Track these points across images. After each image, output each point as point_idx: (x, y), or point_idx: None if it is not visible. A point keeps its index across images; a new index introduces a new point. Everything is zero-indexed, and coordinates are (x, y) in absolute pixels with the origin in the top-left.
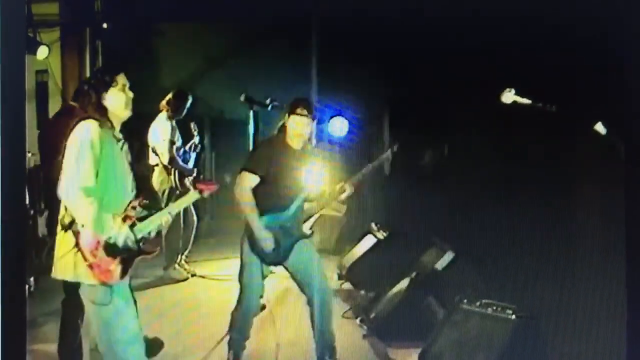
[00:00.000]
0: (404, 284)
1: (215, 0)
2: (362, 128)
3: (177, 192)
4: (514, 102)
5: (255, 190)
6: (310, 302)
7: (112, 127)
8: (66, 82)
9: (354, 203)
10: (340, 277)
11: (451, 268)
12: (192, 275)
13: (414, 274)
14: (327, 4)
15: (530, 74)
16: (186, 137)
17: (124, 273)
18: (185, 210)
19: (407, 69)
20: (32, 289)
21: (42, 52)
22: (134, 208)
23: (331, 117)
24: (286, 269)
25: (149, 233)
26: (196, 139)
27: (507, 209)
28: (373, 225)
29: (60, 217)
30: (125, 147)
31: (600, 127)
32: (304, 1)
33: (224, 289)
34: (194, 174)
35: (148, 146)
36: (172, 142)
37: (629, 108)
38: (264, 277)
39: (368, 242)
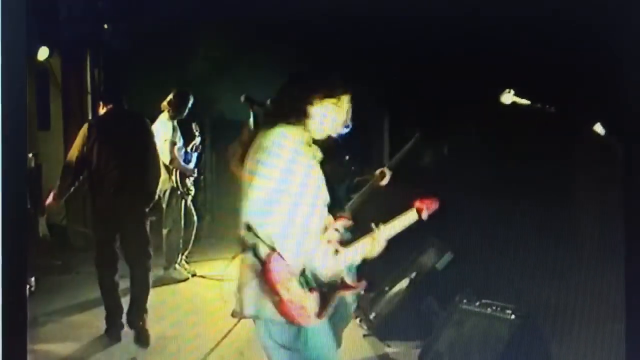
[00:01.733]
0: (403, 284)
1: (216, 1)
2: (361, 128)
3: (178, 192)
4: (513, 103)
5: None
6: None
7: (310, 137)
8: (67, 83)
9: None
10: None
11: (450, 268)
12: (193, 275)
13: (413, 274)
14: (328, 4)
15: (530, 74)
16: (188, 137)
17: (321, 312)
18: (186, 209)
19: (406, 68)
20: (32, 288)
21: (42, 52)
22: (337, 230)
23: None
24: None
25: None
26: (197, 140)
27: (506, 209)
28: (372, 225)
29: (238, 236)
30: (319, 156)
31: (599, 128)
32: (305, 1)
33: (224, 289)
34: (195, 175)
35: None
36: (173, 143)
37: (628, 109)
38: None
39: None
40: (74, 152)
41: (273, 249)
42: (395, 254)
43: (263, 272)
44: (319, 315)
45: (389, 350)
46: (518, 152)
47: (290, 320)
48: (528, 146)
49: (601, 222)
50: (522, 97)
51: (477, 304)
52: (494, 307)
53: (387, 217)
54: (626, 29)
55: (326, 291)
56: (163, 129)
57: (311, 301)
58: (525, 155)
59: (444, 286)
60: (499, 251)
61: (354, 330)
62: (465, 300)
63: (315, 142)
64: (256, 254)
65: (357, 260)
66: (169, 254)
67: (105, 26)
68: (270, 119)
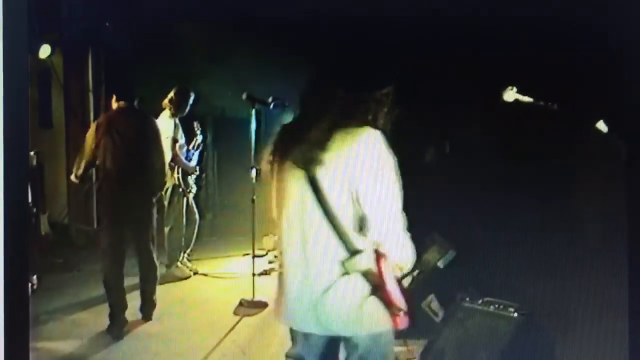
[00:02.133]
0: (405, 281)
1: None
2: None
3: (180, 190)
4: (516, 100)
5: None
6: None
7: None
8: (69, 81)
9: None
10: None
11: (453, 266)
12: (195, 273)
13: (415, 272)
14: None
15: (532, 72)
16: (189, 135)
17: (412, 316)
18: (188, 207)
19: (408, 66)
20: (34, 287)
21: (44, 50)
22: None
23: None
24: None
25: None
26: (199, 138)
27: (509, 206)
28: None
29: (340, 258)
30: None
31: (601, 126)
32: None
33: (226, 287)
34: (197, 172)
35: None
36: (175, 140)
37: (631, 106)
38: None
39: None
40: (87, 145)
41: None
42: None
43: (380, 289)
44: (412, 319)
45: None
46: (520, 150)
47: (397, 328)
48: (530, 144)
49: (604, 219)
50: (525, 95)
51: (480, 301)
52: (496, 305)
53: None
54: (628, 26)
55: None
56: (164, 127)
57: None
58: (528, 152)
59: (446, 284)
60: (502, 249)
61: None
62: (467, 298)
63: None
64: (367, 276)
65: None
66: (170, 252)
67: (107, 24)
68: (345, 121)
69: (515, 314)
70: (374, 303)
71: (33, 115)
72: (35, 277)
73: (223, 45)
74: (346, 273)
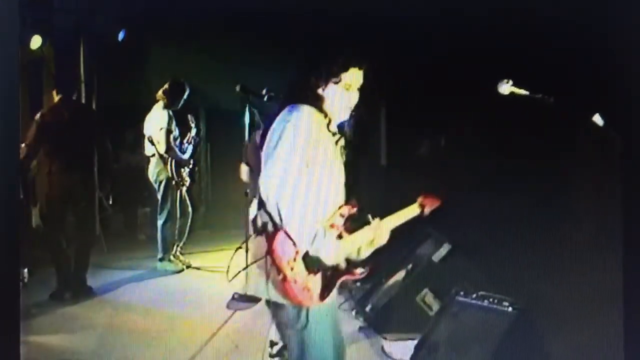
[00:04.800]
0: (400, 275)
1: None
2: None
3: (174, 182)
4: (512, 93)
5: None
6: None
7: (328, 119)
8: (60, 72)
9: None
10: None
11: (448, 260)
12: (187, 267)
13: (410, 266)
14: None
15: (528, 65)
16: (183, 128)
17: (323, 294)
18: (181, 200)
19: (403, 59)
20: (25, 280)
21: (35, 41)
22: (342, 216)
23: None
24: None
25: (359, 250)
26: (193, 131)
27: (504, 200)
28: (369, 216)
29: (251, 217)
30: (342, 142)
31: (597, 119)
32: None
33: (218, 281)
34: (191, 165)
35: (144, 136)
36: (169, 132)
37: (627, 100)
38: None
39: None
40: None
41: (279, 228)
42: (392, 245)
43: (269, 251)
44: (322, 297)
45: (385, 342)
46: (516, 143)
47: (291, 300)
48: (526, 137)
49: (599, 214)
50: (520, 88)
51: (474, 296)
52: (491, 299)
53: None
54: (626, 19)
55: (329, 275)
56: (159, 118)
57: (315, 283)
58: (523, 146)
59: (441, 278)
60: (497, 243)
61: (350, 323)
62: (462, 293)
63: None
64: (264, 232)
65: (363, 249)
66: (163, 245)
67: (100, 15)
68: (290, 100)
69: (510, 309)
70: (260, 267)
71: (24, 107)
72: (26, 270)
73: (217, 38)
74: (255, 232)
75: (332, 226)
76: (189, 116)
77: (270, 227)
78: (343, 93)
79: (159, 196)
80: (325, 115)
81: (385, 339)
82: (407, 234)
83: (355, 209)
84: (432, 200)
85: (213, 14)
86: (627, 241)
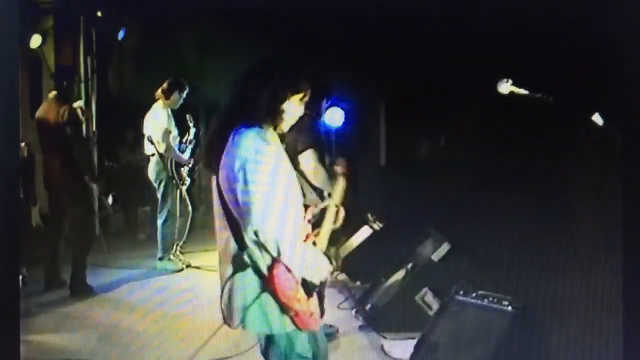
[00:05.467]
0: (399, 275)
1: None
2: (358, 118)
3: (174, 182)
4: (511, 93)
5: None
6: None
7: (280, 131)
8: (59, 71)
9: (350, 194)
10: (335, 269)
11: (447, 259)
12: (187, 266)
13: (410, 265)
14: None
15: (528, 64)
16: (182, 129)
17: (322, 312)
18: (181, 200)
19: (403, 59)
20: (25, 279)
21: (35, 40)
22: (309, 222)
23: (327, 108)
24: None
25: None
26: (192, 131)
27: (503, 200)
28: (369, 216)
29: (232, 254)
30: (289, 151)
31: (597, 118)
32: None
33: (218, 280)
34: (190, 164)
35: (143, 136)
36: (168, 132)
37: (627, 99)
38: None
39: (364, 233)
40: None
41: (274, 262)
42: (391, 244)
43: (271, 287)
44: (322, 314)
45: (384, 341)
46: (515, 143)
47: (305, 329)
48: (525, 136)
49: (599, 213)
50: (520, 87)
51: (474, 295)
52: (490, 299)
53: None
54: (625, 18)
55: (321, 289)
56: (158, 118)
57: (314, 305)
58: (523, 145)
59: (440, 277)
60: (497, 242)
61: (349, 322)
62: (461, 292)
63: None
64: (257, 271)
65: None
66: (163, 244)
67: (99, 14)
68: (235, 121)
69: (509, 308)
70: (267, 301)
71: (24, 106)
72: (25, 269)
73: (217, 36)
74: (239, 269)
75: (306, 237)
76: (188, 116)
77: (263, 264)
78: (297, 105)
79: (159, 195)
80: (278, 130)
81: (385, 338)
82: (407, 233)
83: (316, 208)
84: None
85: (213, 13)
86: (627, 241)
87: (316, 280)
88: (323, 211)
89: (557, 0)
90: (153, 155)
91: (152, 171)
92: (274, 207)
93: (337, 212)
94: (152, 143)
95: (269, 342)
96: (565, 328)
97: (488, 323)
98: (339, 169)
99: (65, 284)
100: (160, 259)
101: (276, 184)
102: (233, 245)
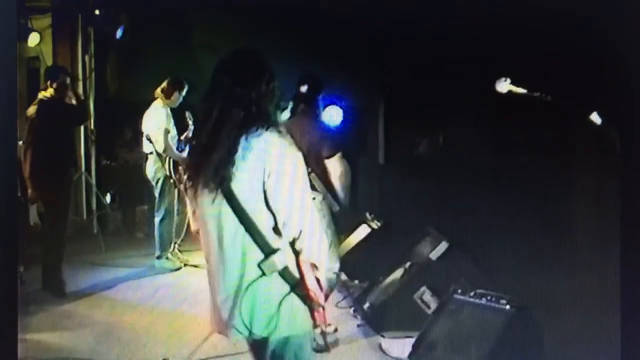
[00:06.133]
0: (398, 273)
1: None
2: (356, 117)
3: (172, 180)
4: (509, 92)
5: None
6: None
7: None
8: (56, 66)
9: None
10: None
11: (445, 258)
12: (185, 265)
13: (408, 264)
14: None
15: (526, 63)
16: (181, 126)
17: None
18: (179, 198)
19: (402, 57)
20: (23, 278)
21: (33, 38)
22: None
23: (325, 106)
24: None
25: None
26: (191, 129)
27: (502, 199)
28: (367, 215)
29: (254, 258)
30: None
31: (595, 117)
32: None
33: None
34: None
35: (142, 134)
36: (167, 130)
37: (625, 97)
38: None
39: (362, 231)
40: None
41: (299, 259)
42: (390, 243)
43: (302, 287)
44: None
45: (383, 340)
46: (514, 142)
47: (322, 324)
48: (524, 135)
49: (597, 212)
50: (518, 86)
51: (472, 293)
52: (488, 297)
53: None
54: (624, 17)
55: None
56: (157, 116)
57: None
58: (521, 144)
59: (438, 276)
60: (494, 241)
61: (348, 321)
62: (459, 290)
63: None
64: (284, 274)
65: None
66: (161, 243)
67: (97, 12)
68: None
69: (507, 306)
70: (293, 302)
71: (22, 104)
72: (23, 268)
73: (215, 35)
74: (263, 274)
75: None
76: (188, 113)
77: (293, 264)
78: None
79: (157, 194)
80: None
81: (383, 336)
82: (405, 232)
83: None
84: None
85: (212, 11)
86: (626, 240)
87: (328, 272)
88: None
89: (557, 0)
90: (151, 153)
91: (150, 169)
92: (299, 204)
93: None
94: (151, 142)
95: (274, 347)
96: (563, 327)
97: (486, 322)
98: None
99: (64, 284)
100: (159, 257)
101: (298, 179)
102: (250, 252)
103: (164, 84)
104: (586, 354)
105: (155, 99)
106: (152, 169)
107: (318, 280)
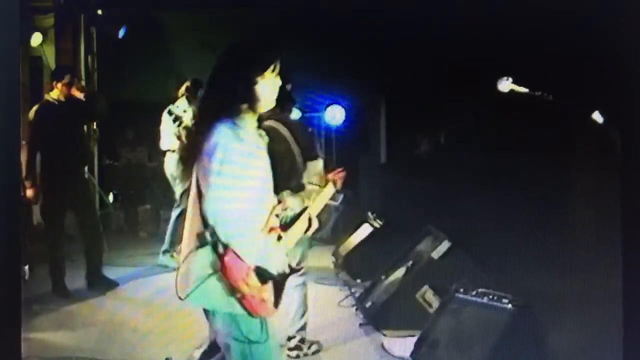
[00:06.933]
0: (400, 272)
1: None
2: (358, 116)
3: None
4: (511, 91)
5: None
6: None
7: (257, 118)
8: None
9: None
10: (336, 266)
11: (447, 257)
12: None
13: (410, 263)
14: None
15: (528, 62)
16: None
17: (277, 302)
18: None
19: (403, 56)
20: (26, 277)
21: (36, 38)
22: (277, 216)
23: (327, 106)
24: None
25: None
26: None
27: (503, 197)
28: (369, 214)
29: (197, 231)
30: (266, 140)
31: (597, 116)
32: None
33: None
34: None
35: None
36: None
37: (625, 97)
38: None
39: (364, 231)
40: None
41: (227, 247)
42: (392, 242)
43: (222, 269)
44: (276, 304)
45: (385, 339)
46: (515, 141)
47: (253, 313)
48: (525, 135)
49: (599, 210)
50: (520, 85)
51: (474, 292)
52: (490, 296)
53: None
54: (625, 16)
55: (279, 280)
56: (187, 114)
57: (268, 293)
58: (523, 143)
59: (440, 275)
60: (496, 240)
61: (350, 319)
62: (461, 289)
63: (259, 124)
64: (215, 250)
65: (298, 240)
66: (172, 238)
67: (100, 12)
68: (213, 113)
69: (509, 305)
70: (217, 279)
71: (24, 104)
72: (27, 267)
73: (219, 35)
74: (204, 244)
75: (270, 230)
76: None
77: (220, 246)
78: (272, 78)
79: (178, 190)
80: (255, 115)
81: (385, 335)
82: (407, 231)
83: (285, 205)
84: (338, 173)
85: (213, 11)
86: (627, 239)
87: (272, 271)
88: (300, 213)
89: (557, 0)
90: (173, 151)
91: (172, 166)
92: (233, 195)
93: (310, 221)
94: (180, 139)
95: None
96: (565, 326)
97: (488, 321)
98: (331, 176)
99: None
100: (165, 251)
101: (243, 175)
102: (199, 222)
103: (189, 84)
104: (588, 353)
105: (178, 97)
106: (174, 165)
107: (260, 274)
